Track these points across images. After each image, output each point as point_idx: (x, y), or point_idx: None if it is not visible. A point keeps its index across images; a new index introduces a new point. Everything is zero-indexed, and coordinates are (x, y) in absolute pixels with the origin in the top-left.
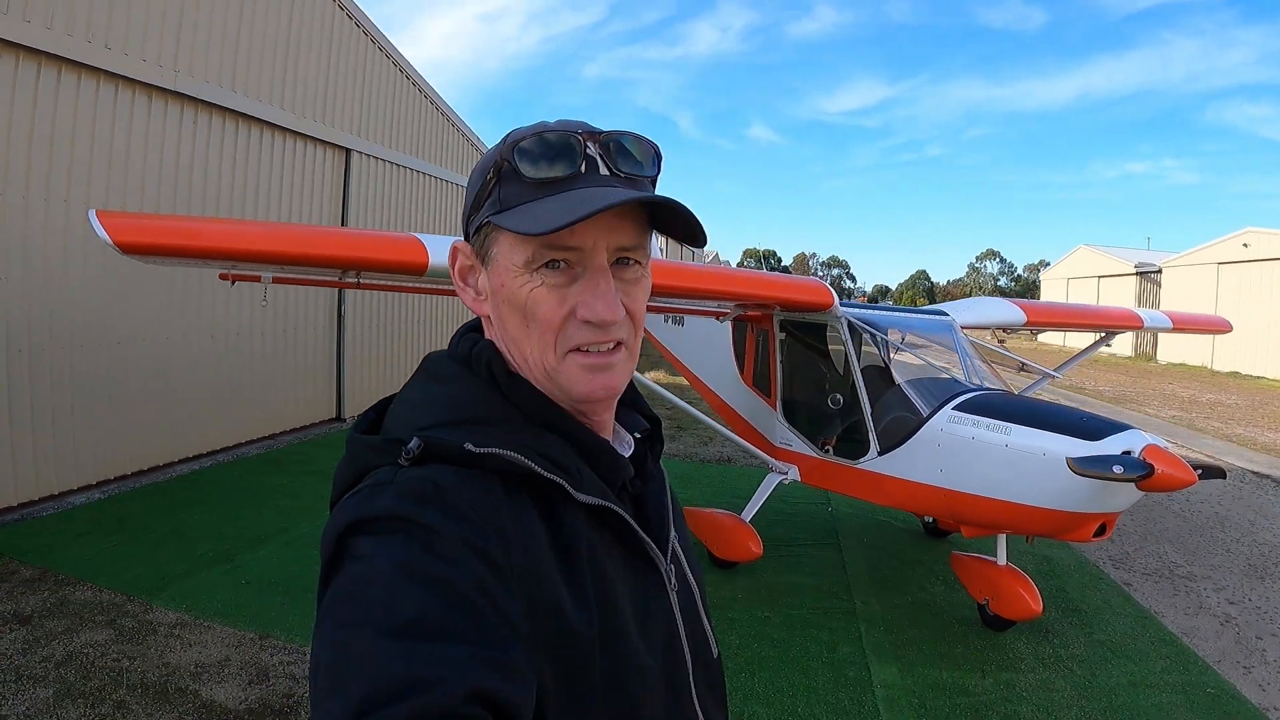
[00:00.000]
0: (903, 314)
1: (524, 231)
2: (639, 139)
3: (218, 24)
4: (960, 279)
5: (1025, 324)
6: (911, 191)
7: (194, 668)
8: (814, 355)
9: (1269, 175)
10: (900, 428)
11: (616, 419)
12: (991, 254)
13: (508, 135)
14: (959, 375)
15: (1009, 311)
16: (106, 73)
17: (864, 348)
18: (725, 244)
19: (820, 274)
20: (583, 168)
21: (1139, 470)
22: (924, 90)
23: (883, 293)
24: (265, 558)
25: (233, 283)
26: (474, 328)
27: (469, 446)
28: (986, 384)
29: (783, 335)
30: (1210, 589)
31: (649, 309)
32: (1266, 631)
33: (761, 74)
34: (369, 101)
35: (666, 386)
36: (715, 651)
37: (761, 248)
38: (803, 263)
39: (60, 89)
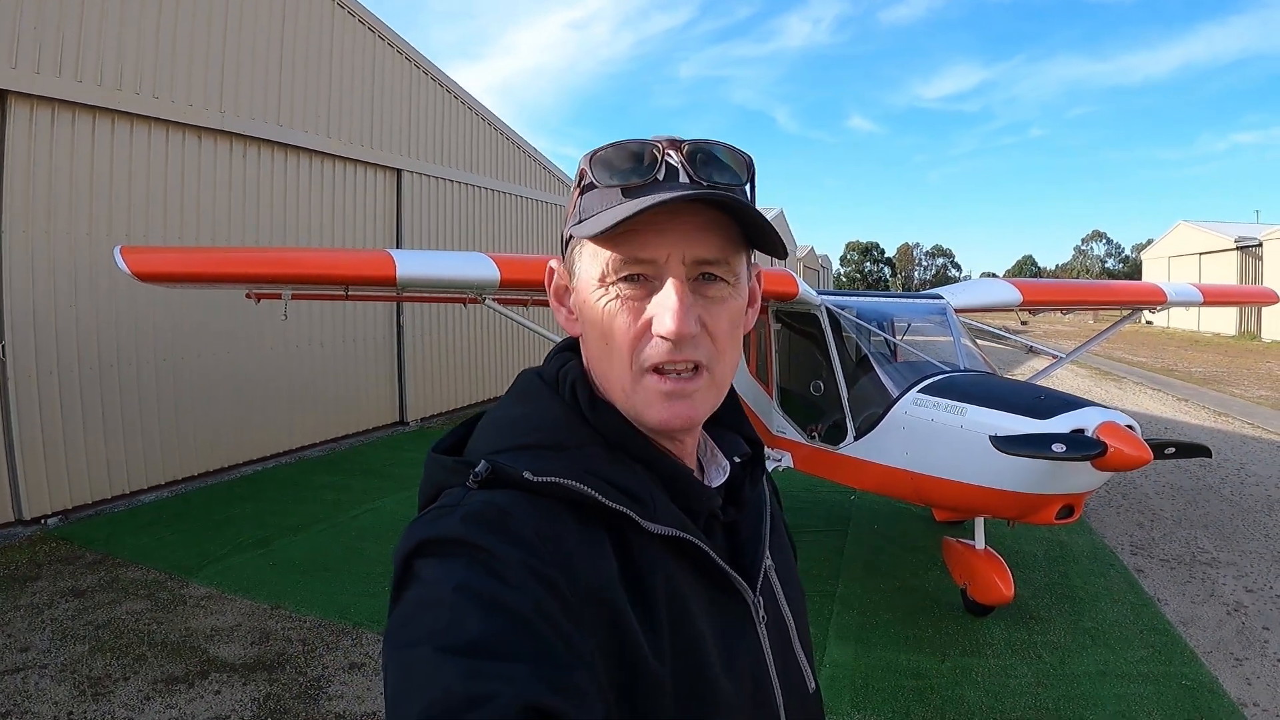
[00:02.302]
0: (889, 300)
1: (584, 234)
2: (728, 147)
3: (261, 64)
4: (1067, 262)
5: (1021, 304)
6: (1015, 175)
7: (209, 631)
8: (804, 344)
9: None
10: (872, 412)
11: (716, 442)
12: (1098, 235)
13: (607, 145)
14: (948, 358)
15: (1004, 291)
16: (157, 119)
17: (847, 335)
18: (828, 238)
19: (924, 263)
20: (660, 175)
21: (1089, 449)
22: (1022, 71)
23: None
24: (298, 543)
25: (258, 301)
26: (569, 346)
27: (527, 475)
28: (973, 366)
29: (777, 326)
30: (1231, 576)
31: None
32: (1276, 621)
33: (856, 64)
34: (417, 122)
35: None
36: (812, 685)
37: (864, 240)
38: (906, 253)
39: (116, 136)
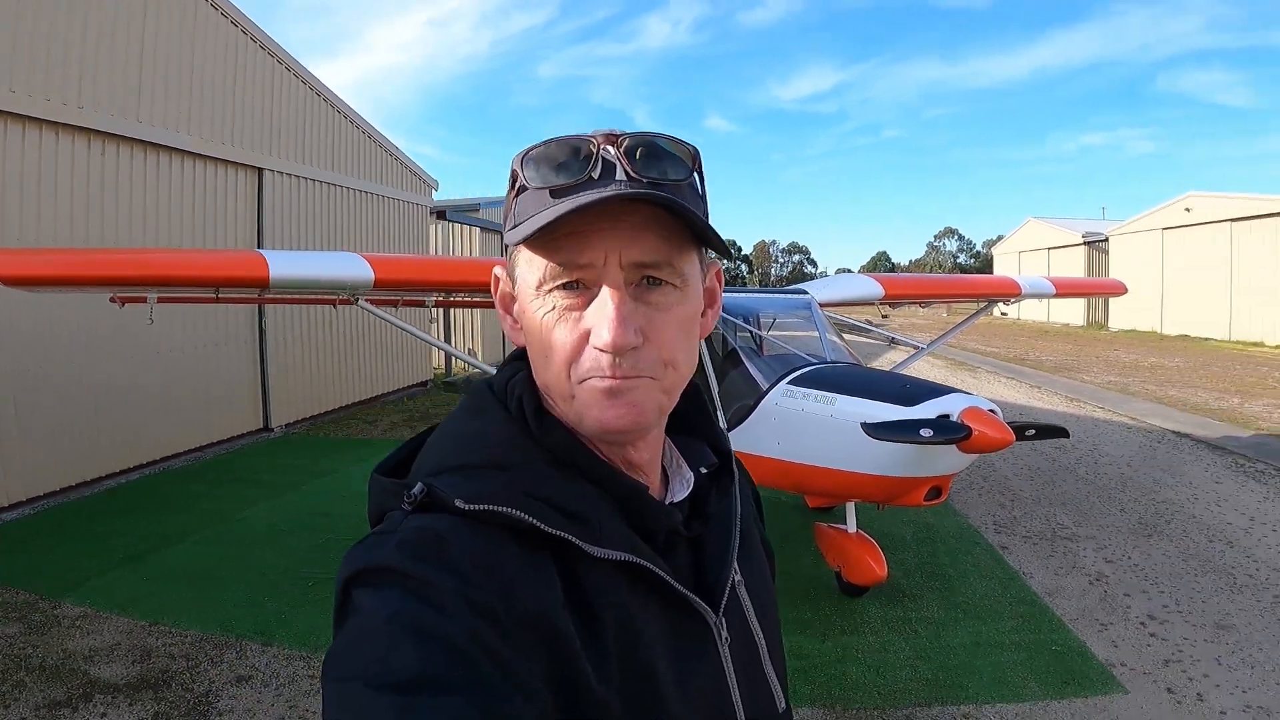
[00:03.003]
0: (759, 295)
1: (513, 241)
2: (670, 139)
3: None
4: (920, 257)
5: (883, 298)
6: (870, 174)
7: (88, 652)
8: None
9: (1221, 140)
10: (744, 404)
11: (681, 452)
12: (950, 232)
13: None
14: (814, 350)
15: (866, 286)
16: (12, 115)
17: (715, 330)
18: None
19: (781, 260)
20: (595, 173)
21: (954, 432)
22: (878, 73)
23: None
24: (172, 556)
25: (122, 305)
26: (520, 355)
27: (459, 503)
28: (838, 358)
29: None
30: (1091, 549)
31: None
32: (1136, 588)
33: (715, 65)
34: (279, 120)
35: None
36: (781, 705)
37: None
38: (763, 250)
39: None
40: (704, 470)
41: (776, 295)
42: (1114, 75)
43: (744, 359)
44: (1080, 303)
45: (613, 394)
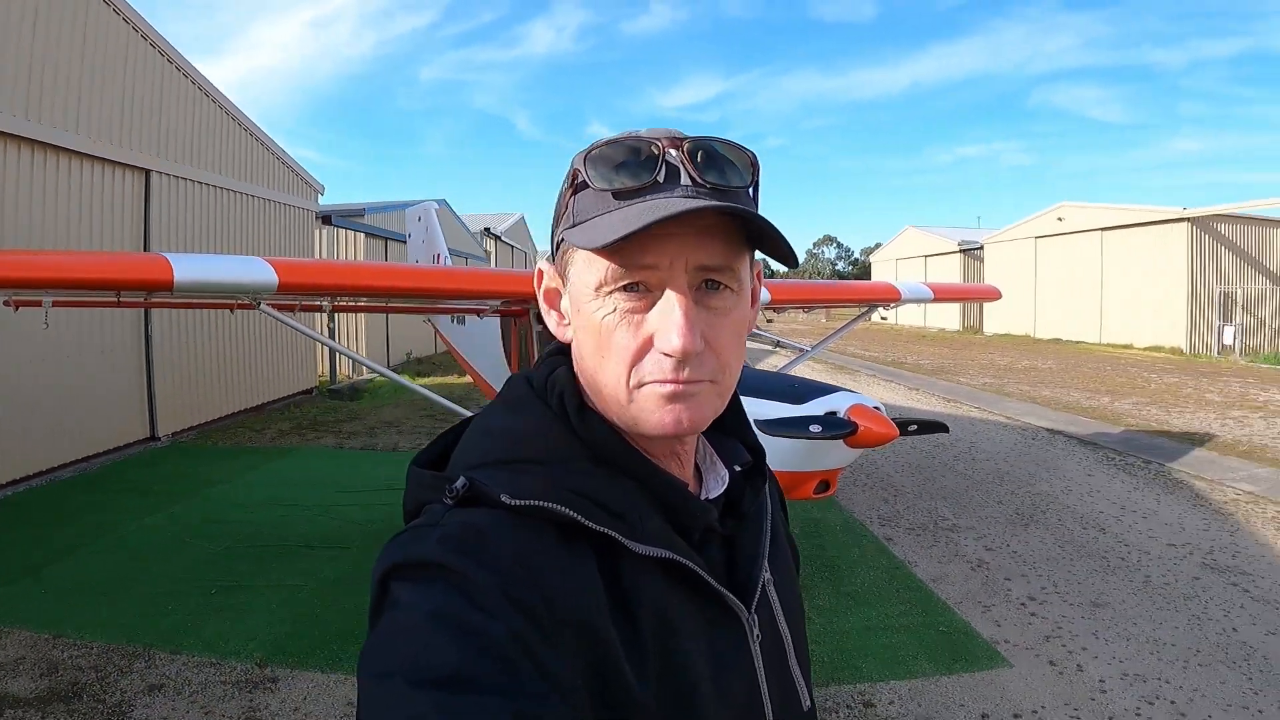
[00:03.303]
0: None
1: (583, 245)
2: (731, 145)
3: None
4: (801, 265)
5: (771, 303)
6: None
7: None
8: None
9: (1093, 153)
10: None
11: (716, 450)
12: (829, 239)
13: (603, 141)
14: None
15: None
16: None
17: None
18: None
19: None
20: (660, 176)
21: (842, 428)
22: (761, 84)
23: None
24: (69, 568)
25: (16, 309)
26: (560, 350)
27: (504, 498)
28: None
29: (539, 327)
30: (971, 538)
31: (426, 310)
32: (1016, 573)
33: (598, 72)
34: (168, 121)
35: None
36: (806, 703)
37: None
38: None
39: None
40: (738, 468)
41: None
42: (991, 89)
43: None
44: (956, 308)
45: (673, 398)
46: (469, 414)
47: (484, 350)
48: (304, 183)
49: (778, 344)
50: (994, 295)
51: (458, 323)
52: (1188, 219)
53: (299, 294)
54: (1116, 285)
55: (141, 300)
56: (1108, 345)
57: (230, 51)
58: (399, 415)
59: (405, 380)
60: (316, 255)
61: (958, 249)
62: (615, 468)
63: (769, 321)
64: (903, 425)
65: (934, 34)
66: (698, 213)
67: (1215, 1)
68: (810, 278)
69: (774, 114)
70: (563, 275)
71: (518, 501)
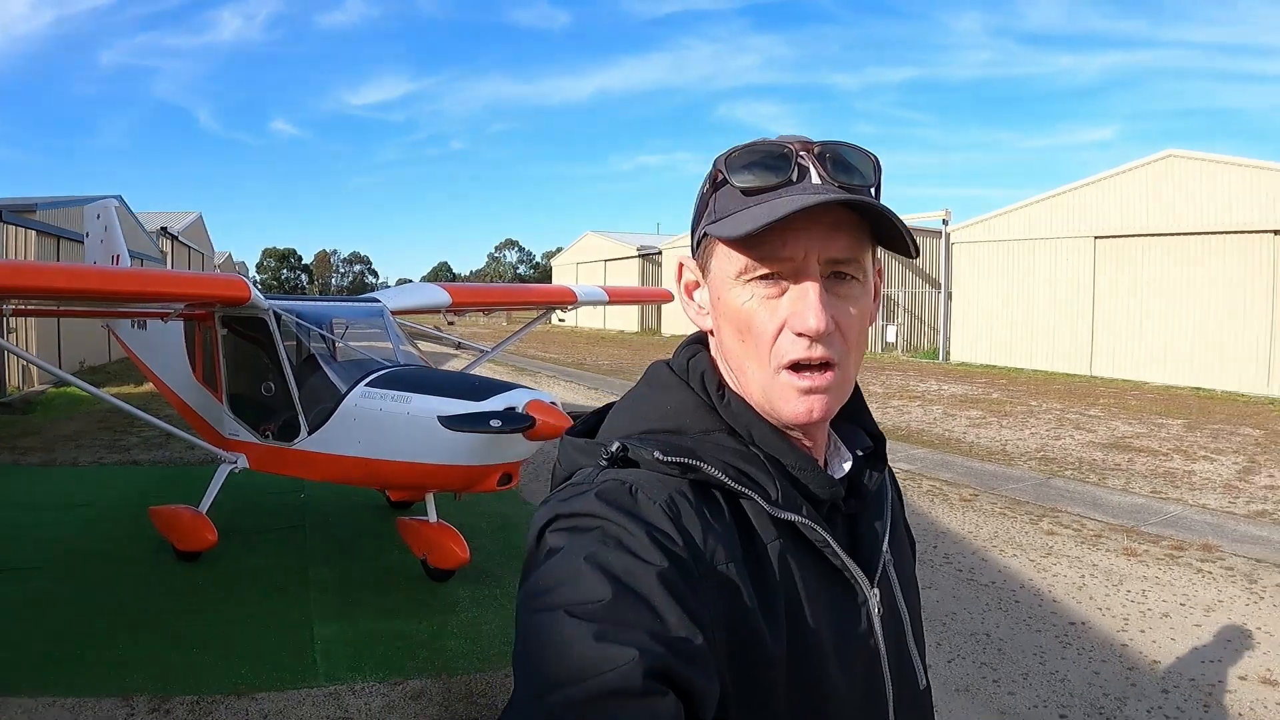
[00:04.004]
0: (333, 303)
1: (725, 236)
2: (857, 148)
3: None
4: (481, 268)
5: (451, 305)
6: (435, 185)
7: None
8: (252, 348)
9: None
10: (323, 408)
11: (839, 434)
12: (511, 243)
13: (740, 146)
14: (387, 355)
15: (435, 294)
16: None
17: (294, 337)
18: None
19: (342, 270)
20: (794, 176)
21: (520, 422)
22: (450, 85)
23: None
24: None
25: None
26: (698, 340)
27: (657, 455)
28: (410, 362)
29: (224, 331)
30: None
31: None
32: None
33: (287, 66)
34: None
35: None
36: (923, 682)
37: (282, 247)
38: (325, 260)
39: None
40: (860, 453)
41: (351, 303)
42: (675, 102)
43: (322, 364)
44: (634, 311)
45: (807, 393)
46: (164, 424)
47: (167, 356)
48: None
49: (459, 346)
50: (666, 297)
51: (139, 328)
52: None
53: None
54: None
55: None
56: None
57: None
58: (78, 429)
59: (103, 393)
60: None
61: (636, 254)
62: (753, 442)
63: (450, 324)
64: (577, 418)
65: (624, 47)
66: (826, 206)
67: (891, 33)
68: (492, 281)
69: (461, 117)
70: (703, 268)
71: (669, 458)
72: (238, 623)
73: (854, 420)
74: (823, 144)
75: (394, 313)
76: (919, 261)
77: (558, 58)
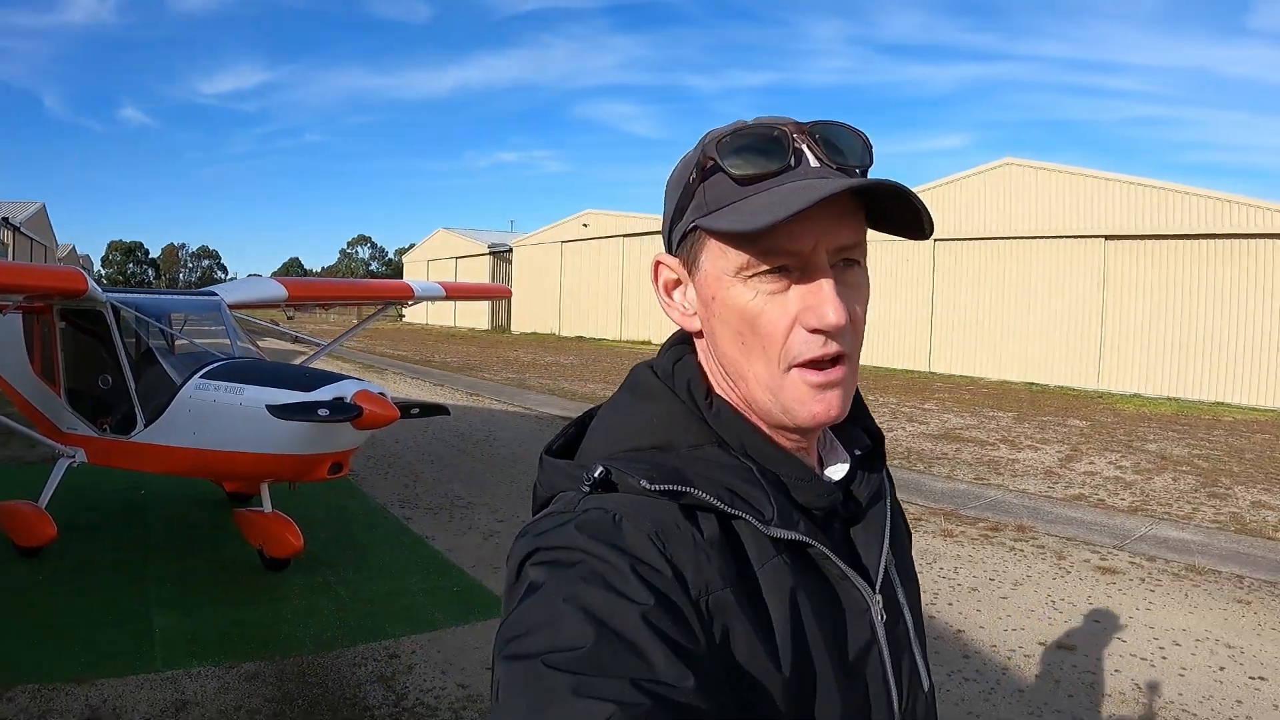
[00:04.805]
0: (171, 297)
1: (733, 230)
2: (849, 127)
3: None
4: (333, 264)
5: (288, 299)
6: (289, 179)
7: None
8: (90, 341)
9: (625, 164)
10: (159, 400)
11: (836, 435)
12: (364, 239)
13: (706, 135)
14: (224, 349)
15: (272, 288)
16: None
17: (131, 330)
18: (91, 238)
19: (190, 265)
20: (792, 161)
21: (348, 411)
22: (307, 76)
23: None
24: None
25: None
26: (683, 340)
27: (644, 484)
28: (246, 355)
29: (63, 324)
30: (485, 513)
31: None
32: None
33: (140, 50)
34: None
35: None
36: (927, 684)
37: (128, 240)
38: (172, 254)
39: None
40: (858, 453)
41: (188, 297)
42: (534, 100)
43: (158, 358)
44: (485, 308)
45: (823, 388)
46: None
47: (5, 351)
48: None
49: (295, 340)
50: (504, 294)
51: None
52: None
53: None
54: (637, 287)
55: None
56: (628, 341)
57: None
58: None
59: None
60: None
61: (488, 251)
62: (744, 453)
63: (289, 319)
64: (405, 408)
65: (484, 43)
66: (852, 191)
67: (751, 37)
68: (344, 277)
69: (316, 109)
70: (689, 265)
71: (656, 487)
72: (78, 615)
73: (852, 418)
74: (813, 124)
75: (231, 307)
76: None
77: (418, 51)
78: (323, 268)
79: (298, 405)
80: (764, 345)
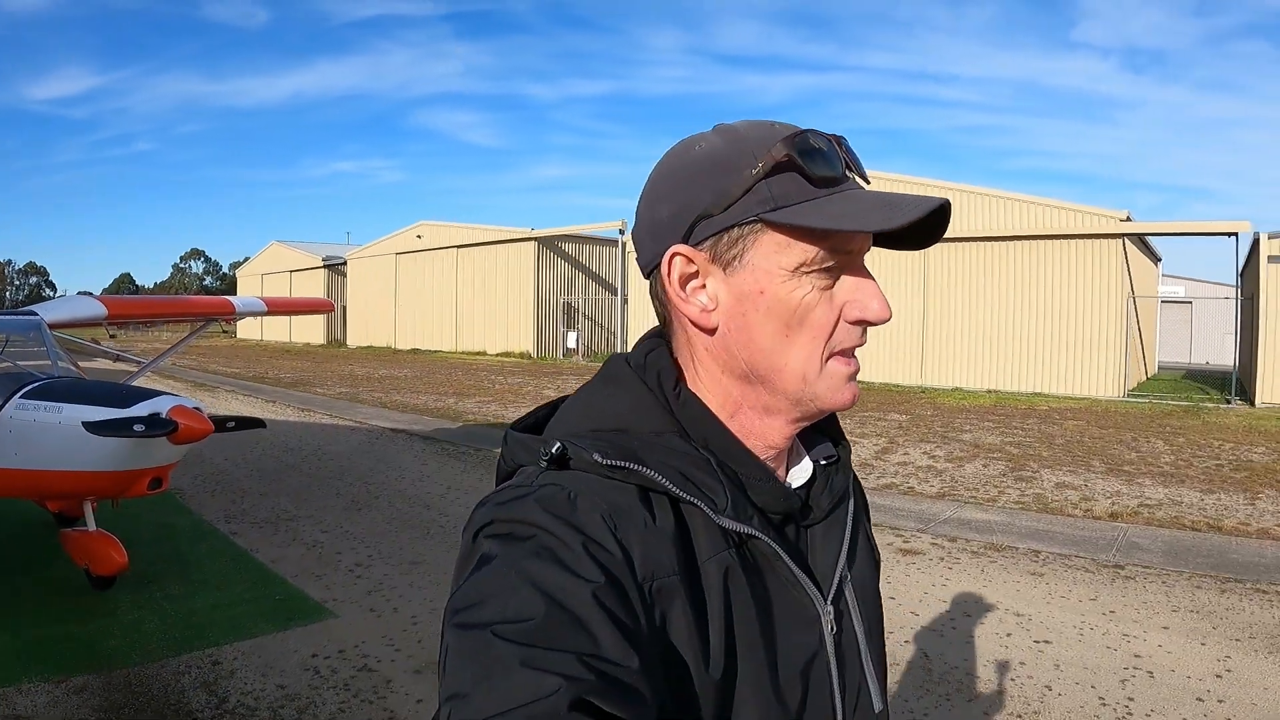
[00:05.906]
0: None
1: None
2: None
3: None
4: (166, 280)
5: (108, 318)
6: (121, 190)
7: None
8: None
9: (464, 174)
10: None
11: (803, 441)
12: (197, 253)
13: (764, 130)
14: (45, 369)
15: (92, 307)
16: None
17: None
18: None
19: (17, 283)
20: (846, 169)
21: (163, 426)
22: (139, 81)
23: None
24: None
25: None
26: (658, 334)
27: (596, 457)
28: (66, 375)
29: None
30: (309, 524)
31: None
32: (347, 547)
33: None
34: None
35: None
36: (878, 706)
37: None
38: None
39: None
40: (823, 462)
41: (7, 317)
42: (371, 108)
43: None
44: (320, 323)
45: (852, 378)
46: None
47: None
48: None
49: (117, 358)
50: (328, 307)
51: None
52: (535, 238)
53: None
54: (471, 298)
55: None
56: (463, 353)
57: None
58: None
59: None
60: None
61: (322, 264)
62: (706, 446)
63: (112, 337)
64: (220, 422)
65: (321, 49)
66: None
67: (590, 46)
68: (177, 293)
69: (147, 115)
70: (720, 259)
71: (609, 461)
72: None
73: (819, 427)
74: (834, 136)
75: (52, 326)
76: (599, 268)
77: (252, 57)
78: (155, 283)
79: (114, 422)
80: (812, 336)
